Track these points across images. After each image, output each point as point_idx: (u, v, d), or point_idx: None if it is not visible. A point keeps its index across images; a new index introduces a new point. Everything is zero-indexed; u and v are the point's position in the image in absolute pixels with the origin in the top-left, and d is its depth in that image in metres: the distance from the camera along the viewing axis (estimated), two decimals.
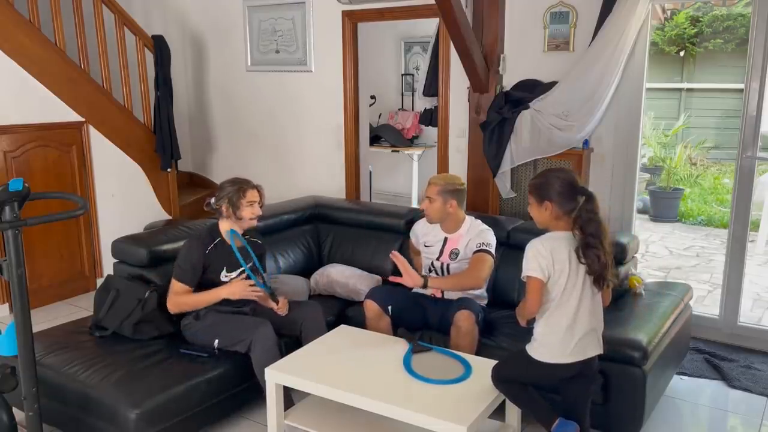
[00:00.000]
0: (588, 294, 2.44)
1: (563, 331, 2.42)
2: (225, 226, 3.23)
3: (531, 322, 2.52)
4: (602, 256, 2.34)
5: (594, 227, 2.33)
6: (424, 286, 3.08)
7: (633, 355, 2.87)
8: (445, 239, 3.39)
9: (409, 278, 3.04)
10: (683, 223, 7.75)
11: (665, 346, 3.10)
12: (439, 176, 3.46)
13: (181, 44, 6.14)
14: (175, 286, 3.16)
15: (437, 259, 3.41)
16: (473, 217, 3.45)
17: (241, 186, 3.21)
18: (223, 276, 3.21)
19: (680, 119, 9.05)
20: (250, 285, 3.14)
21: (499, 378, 2.57)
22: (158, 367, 2.92)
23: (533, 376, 2.54)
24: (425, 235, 3.49)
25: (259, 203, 3.27)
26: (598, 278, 2.39)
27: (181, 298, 3.15)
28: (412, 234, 3.63)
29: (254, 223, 3.27)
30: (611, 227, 3.27)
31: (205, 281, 3.18)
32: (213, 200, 3.25)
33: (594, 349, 2.50)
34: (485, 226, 3.39)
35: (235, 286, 3.15)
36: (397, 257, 3.09)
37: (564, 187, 2.38)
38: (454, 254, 3.35)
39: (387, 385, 2.61)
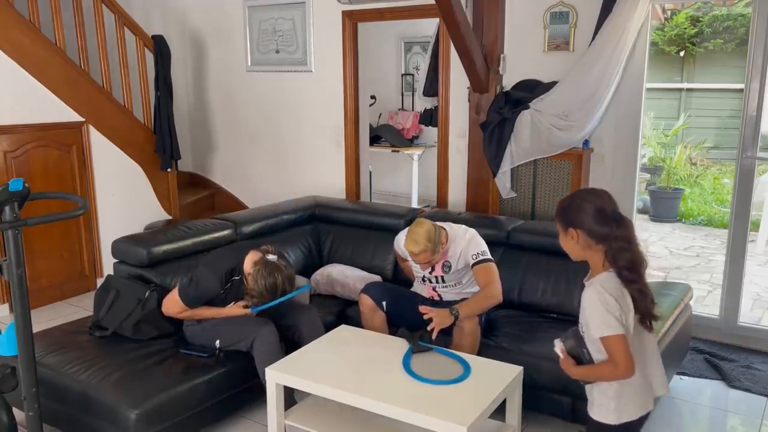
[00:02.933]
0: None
1: (643, 380, 2.05)
2: (248, 266, 3.10)
3: (586, 381, 2.08)
4: (644, 289, 1.99)
5: (627, 259, 1.96)
6: (457, 318, 3.02)
7: None
8: None
9: (438, 317, 2.95)
10: (683, 223, 7.75)
11: (665, 346, 3.09)
12: (416, 241, 3.10)
13: (181, 44, 6.14)
14: (179, 304, 3.12)
15: (430, 273, 3.37)
16: (451, 224, 3.37)
17: (266, 299, 3.04)
18: (228, 307, 3.19)
19: (680, 119, 9.05)
20: (245, 306, 3.13)
21: None
22: (158, 367, 2.92)
23: None
24: None
25: None
26: (645, 316, 2.01)
27: (182, 314, 3.14)
28: (396, 245, 3.55)
29: None
30: None
31: (208, 301, 3.18)
32: (271, 258, 3.06)
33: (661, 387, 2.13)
34: (470, 231, 3.32)
35: (235, 309, 3.13)
36: (425, 311, 2.99)
37: (592, 210, 1.99)
38: (446, 267, 3.32)
39: (387, 385, 2.60)
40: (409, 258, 3.39)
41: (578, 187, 4.12)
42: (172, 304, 3.14)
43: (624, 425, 2.03)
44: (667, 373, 3.25)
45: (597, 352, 1.99)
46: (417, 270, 3.43)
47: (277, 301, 3.05)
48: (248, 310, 3.11)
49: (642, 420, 2.08)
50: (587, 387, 2.09)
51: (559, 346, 2.07)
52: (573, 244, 2.05)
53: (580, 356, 2.03)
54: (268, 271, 3.01)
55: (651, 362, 2.08)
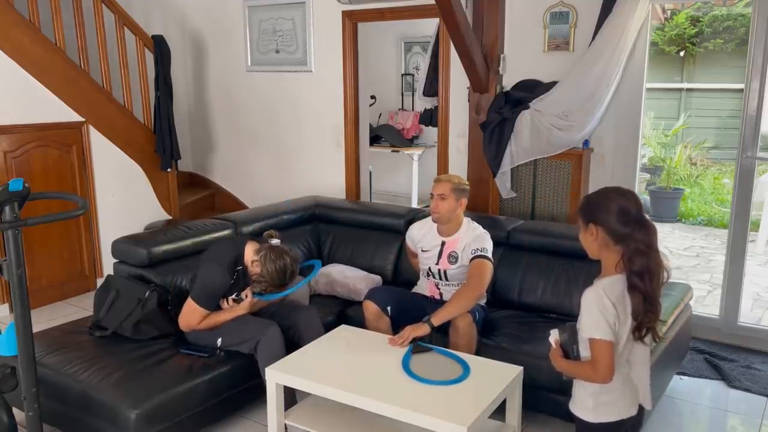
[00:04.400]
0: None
1: (625, 385, 2.04)
2: (249, 254, 3.10)
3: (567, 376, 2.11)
4: (650, 301, 1.93)
5: (642, 263, 1.90)
6: (432, 327, 3.00)
7: None
8: (443, 243, 3.37)
9: (415, 331, 2.95)
10: (683, 223, 7.75)
11: (665, 346, 3.10)
12: (448, 175, 3.43)
13: (181, 44, 6.14)
14: (199, 311, 3.06)
15: (436, 264, 3.39)
16: (470, 219, 3.43)
17: (276, 283, 3.05)
18: (229, 300, 3.16)
19: (680, 119, 9.05)
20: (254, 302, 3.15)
21: None
22: (158, 367, 2.92)
23: None
24: (421, 239, 3.46)
25: None
26: (639, 326, 1.95)
27: (202, 324, 3.08)
28: (408, 238, 3.60)
29: None
30: None
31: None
32: (275, 241, 3.09)
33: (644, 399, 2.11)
34: (482, 230, 3.36)
35: (249, 303, 3.13)
36: (394, 343, 2.94)
37: (616, 210, 1.95)
38: (452, 258, 3.34)
39: (387, 385, 2.60)
40: (418, 245, 3.46)
41: (578, 188, 4.13)
42: (191, 315, 3.07)
43: (603, 425, 2.05)
44: (667, 373, 3.29)
45: (585, 350, 2.01)
46: (423, 261, 3.45)
47: (287, 292, 3.07)
48: (257, 300, 3.12)
49: (624, 423, 2.07)
50: (574, 381, 2.12)
51: (553, 337, 2.10)
52: (591, 240, 2.01)
53: (568, 351, 2.05)
54: (276, 255, 3.01)
55: (639, 371, 2.07)
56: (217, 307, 3.15)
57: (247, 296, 3.14)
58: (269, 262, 2.99)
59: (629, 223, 1.93)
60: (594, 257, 2.06)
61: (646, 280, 1.91)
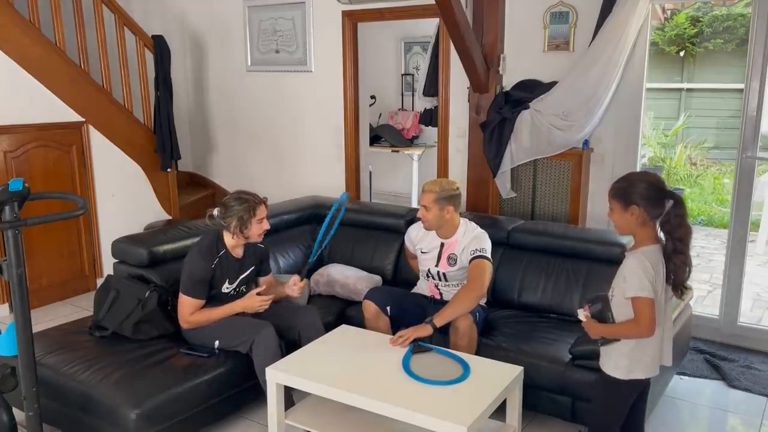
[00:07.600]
0: (668, 303, 2.35)
1: (656, 346, 2.31)
2: (229, 238, 3.18)
3: (605, 341, 2.33)
4: (687, 262, 2.25)
5: (682, 232, 2.21)
6: (434, 328, 2.99)
7: None
8: (442, 245, 3.37)
9: (418, 332, 2.96)
10: None
11: None
12: (433, 182, 3.35)
13: (181, 44, 6.14)
14: (187, 301, 3.10)
15: (435, 266, 3.39)
16: (467, 220, 3.42)
17: (250, 204, 3.11)
18: (224, 288, 3.19)
19: (680, 119, 9.06)
20: (264, 299, 3.14)
21: None
22: (158, 367, 2.92)
23: (623, 403, 2.37)
24: (420, 240, 3.45)
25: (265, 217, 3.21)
26: (677, 286, 2.29)
27: (197, 316, 3.11)
28: (406, 239, 3.60)
29: (261, 239, 3.21)
30: (611, 227, 3.27)
31: (214, 295, 3.18)
32: (216, 213, 3.16)
33: (666, 358, 2.40)
34: (480, 230, 3.36)
35: (250, 300, 3.13)
36: (395, 343, 2.94)
37: (651, 190, 2.23)
38: (452, 260, 3.34)
39: (387, 385, 2.60)
40: (417, 246, 3.46)
41: (578, 187, 4.14)
42: (183, 307, 3.12)
43: (631, 381, 2.31)
44: (667, 373, 3.29)
45: (620, 316, 2.27)
46: (423, 262, 3.45)
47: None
48: (263, 298, 3.12)
49: (645, 383, 2.35)
50: (602, 350, 2.35)
51: (582, 313, 2.35)
52: (630, 220, 2.25)
53: (605, 319, 2.29)
54: (229, 203, 3.13)
55: (666, 334, 2.34)
56: (216, 303, 3.16)
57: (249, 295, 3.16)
58: (228, 209, 3.10)
59: (662, 200, 2.22)
60: (624, 234, 2.34)
61: (686, 244, 2.22)
